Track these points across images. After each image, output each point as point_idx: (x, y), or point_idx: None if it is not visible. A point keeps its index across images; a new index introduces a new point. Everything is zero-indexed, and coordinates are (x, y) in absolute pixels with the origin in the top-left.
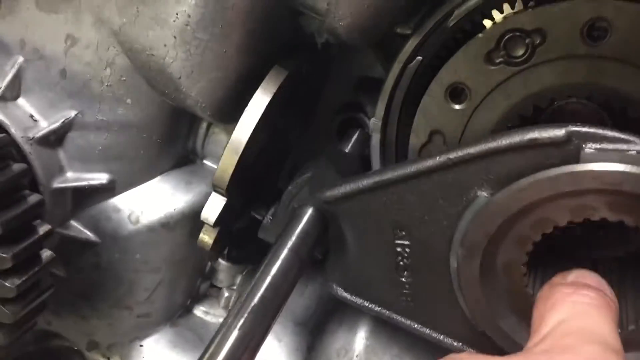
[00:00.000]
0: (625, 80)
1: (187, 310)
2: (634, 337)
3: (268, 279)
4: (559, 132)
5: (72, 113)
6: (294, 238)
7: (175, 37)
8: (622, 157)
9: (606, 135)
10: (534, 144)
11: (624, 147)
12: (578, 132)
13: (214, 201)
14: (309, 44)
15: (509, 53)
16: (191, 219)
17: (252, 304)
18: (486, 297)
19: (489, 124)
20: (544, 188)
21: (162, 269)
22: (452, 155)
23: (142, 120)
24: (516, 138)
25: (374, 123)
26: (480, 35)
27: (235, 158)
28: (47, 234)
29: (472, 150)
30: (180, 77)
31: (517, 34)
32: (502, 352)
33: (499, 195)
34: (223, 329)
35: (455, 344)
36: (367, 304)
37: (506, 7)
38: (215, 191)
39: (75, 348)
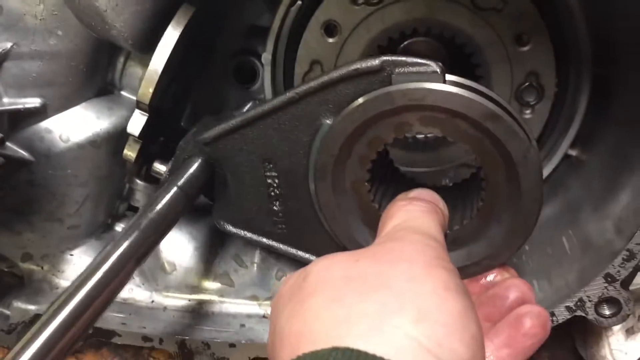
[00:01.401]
0: (453, 15)
1: (109, 227)
2: (459, 234)
3: (157, 208)
4: (374, 62)
5: (8, 44)
6: (182, 179)
7: None
8: (421, 76)
9: (408, 61)
10: (357, 73)
11: (422, 69)
12: (388, 60)
13: (137, 117)
14: None
15: None
16: (115, 138)
17: (138, 228)
18: (341, 214)
19: (356, 54)
20: (366, 109)
21: (89, 183)
22: (298, 90)
23: (70, 50)
24: (343, 70)
25: (265, 57)
26: None
27: (155, 78)
28: None
29: (313, 84)
30: (106, 10)
31: None
32: None
33: (336, 120)
34: (110, 245)
35: None
36: (249, 235)
37: None
38: (139, 108)
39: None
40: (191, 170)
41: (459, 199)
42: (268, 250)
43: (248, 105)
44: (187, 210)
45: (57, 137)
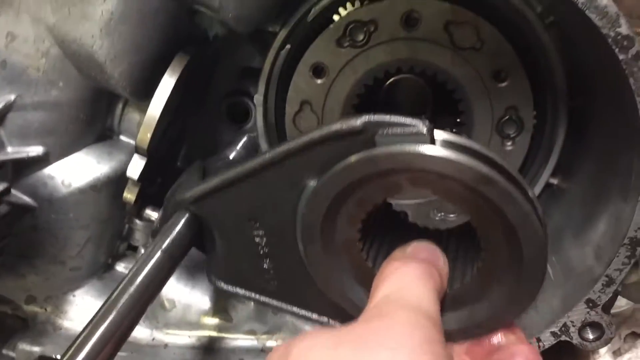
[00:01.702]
0: (434, 55)
1: (110, 267)
2: (460, 292)
3: (138, 279)
4: (355, 123)
5: (12, 97)
6: (167, 240)
7: (101, 29)
8: (406, 138)
9: (391, 121)
10: (337, 135)
11: (407, 130)
12: (370, 122)
13: (136, 161)
14: (202, 37)
15: (353, 38)
16: (115, 182)
17: (120, 303)
18: (333, 274)
19: (344, 92)
20: (350, 172)
21: (90, 226)
22: (278, 151)
23: (71, 100)
24: (323, 132)
25: (257, 98)
26: (331, 26)
27: (153, 124)
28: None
29: (293, 145)
30: (105, 62)
31: (358, 24)
32: None
33: (320, 182)
34: (91, 324)
35: (319, 318)
36: (242, 292)
37: (349, 5)
38: (138, 152)
39: (10, 312)
40: (178, 227)
41: (460, 249)
42: None
43: (243, 141)
44: (173, 271)
45: (59, 182)
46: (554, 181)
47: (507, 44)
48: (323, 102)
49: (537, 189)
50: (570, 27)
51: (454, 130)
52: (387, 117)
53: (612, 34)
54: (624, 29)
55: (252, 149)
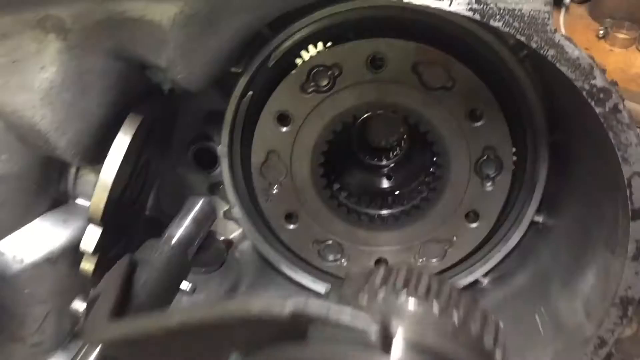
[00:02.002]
0: (403, 96)
1: (76, 335)
2: None
3: None
4: (282, 311)
5: None
6: None
7: (42, 99)
8: (351, 347)
9: (330, 319)
10: (260, 319)
11: (353, 335)
12: (302, 315)
13: (90, 232)
14: (157, 90)
15: (317, 83)
16: (72, 251)
17: None
18: None
19: (312, 140)
20: None
21: (49, 300)
22: (195, 316)
23: (18, 171)
24: (242, 311)
25: (221, 150)
26: (293, 72)
27: (106, 193)
28: None
29: (207, 316)
30: (49, 132)
31: (321, 68)
32: None
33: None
34: None
35: None
36: None
37: (311, 48)
38: (91, 222)
39: None
40: None
41: None
42: None
43: (199, 204)
44: None
45: (10, 259)
46: (539, 219)
47: (480, 82)
48: (290, 151)
49: (523, 228)
50: (546, 72)
51: (431, 170)
52: (324, 309)
53: (586, 86)
54: (599, 81)
55: (203, 222)
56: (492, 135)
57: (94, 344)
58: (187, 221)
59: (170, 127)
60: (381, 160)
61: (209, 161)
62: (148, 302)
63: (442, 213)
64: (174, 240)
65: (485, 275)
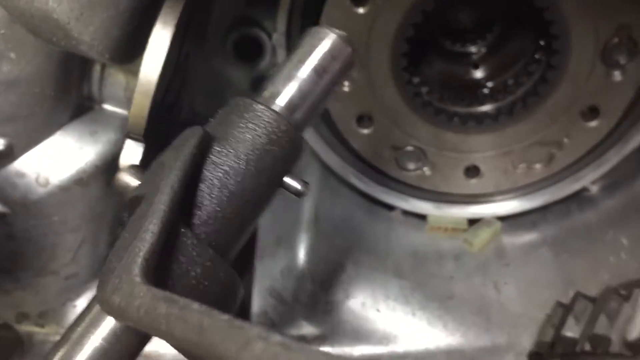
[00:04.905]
0: None
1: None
2: None
3: None
4: None
5: None
6: None
7: None
8: None
9: None
10: None
11: None
12: None
13: (130, 148)
14: None
15: None
16: (105, 170)
17: None
18: None
19: (394, 23)
20: None
21: (82, 227)
22: None
23: (30, 74)
24: None
25: (277, 39)
26: None
27: (148, 100)
28: None
29: None
30: (69, 22)
31: None
32: None
33: None
34: None
35: None
36: None
37: None
38: (131, 138)
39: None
40: None
41: None
42: None
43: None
44: None
45: (32, 180)
46: None
47: None
48: (367, 38)
49: None
50: None
51: (537, 57)
52: None
53: None
54: None
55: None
56: (629, 9)
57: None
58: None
59: (206, 8)
60: (467, 47)
61: (252, 52)
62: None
63: (552, 110)
64: (277, 104)
65: (595, 182)
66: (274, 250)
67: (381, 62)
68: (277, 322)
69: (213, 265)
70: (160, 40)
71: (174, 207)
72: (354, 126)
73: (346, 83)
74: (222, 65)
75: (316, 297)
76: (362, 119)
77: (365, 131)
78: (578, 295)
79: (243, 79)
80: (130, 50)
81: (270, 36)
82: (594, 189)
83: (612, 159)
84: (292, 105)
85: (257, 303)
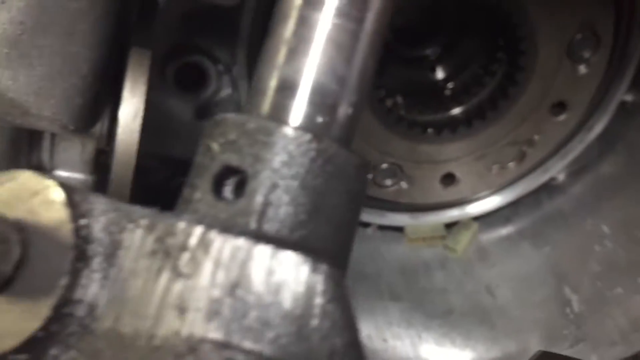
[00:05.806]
0: None
1: None
2: None
3: None
4: None
5: None
6: None
7: (7, 51)
8: None
9: None
10: None
11: None
12: None
13: None
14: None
15: None
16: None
17: None
18: None
19: None
20: None
21: None
22: None
23: None
24: None
25: (237, 70)
26: None
27: (131, 167)
28: None
29: None
30: (27, 99)
31: None
32: None
33: None
34: None
35: None
36: None
37: None
38: None
39: None
40: None
41: None
42: None
43: None
44: None
45: None
46: (629, 98)
47: None
48: None
49: (610, 111)
50: None
51: (498, 57)
52: None
53: None
54: None
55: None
56: (591, 6)
57: None
58: None
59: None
60: (422, 50)
61: (194, 80)
62: None
63: (523, 110)
64: None
65: (562, 170)
66: None
67: None
68: None
69: None
70: (134, 96)
71: None
72: None
73: None
74: (162, 97)
75: None
76: None
77: None
78: None
79: (186, 110)
80: (94, 115)
81: (215, 62)
82: (561, 177)
83: (577, 147)
84: None
85: None
